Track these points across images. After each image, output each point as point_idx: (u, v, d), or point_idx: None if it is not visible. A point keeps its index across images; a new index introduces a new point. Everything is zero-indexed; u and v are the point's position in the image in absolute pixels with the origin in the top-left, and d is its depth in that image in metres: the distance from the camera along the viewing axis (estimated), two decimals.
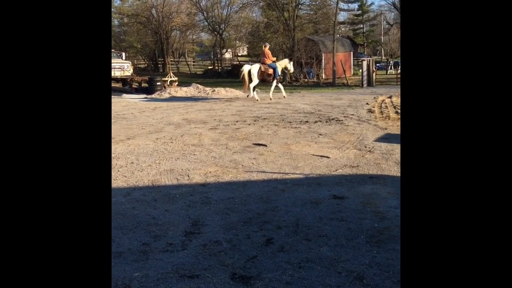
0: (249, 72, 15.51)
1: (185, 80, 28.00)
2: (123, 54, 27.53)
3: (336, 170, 5.75)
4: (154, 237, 3.70)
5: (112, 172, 5.81)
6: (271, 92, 16.04)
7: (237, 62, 41.67)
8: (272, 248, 3.41)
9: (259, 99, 15.50)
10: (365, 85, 22.94)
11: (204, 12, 38.96)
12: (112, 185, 5.26)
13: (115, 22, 44.15)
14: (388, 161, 6.10)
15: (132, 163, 6.39)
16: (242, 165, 6.15)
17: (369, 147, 7.09)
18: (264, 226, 3.87)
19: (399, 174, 5.45)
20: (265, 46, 16.31)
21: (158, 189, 5.14)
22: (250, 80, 15.49)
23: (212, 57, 44.85)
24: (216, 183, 5.31)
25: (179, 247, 3.49)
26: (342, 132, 8.63)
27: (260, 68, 15.53)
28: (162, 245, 3.55)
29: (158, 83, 20.25)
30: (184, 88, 19.70)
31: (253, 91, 15.66)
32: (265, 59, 15.80)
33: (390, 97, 16.04)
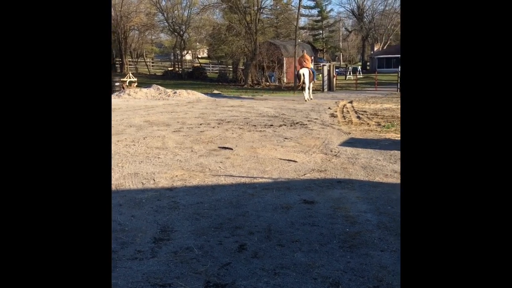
0: (303, 75, 16.93)
1: (144, 81, 27.51)
2: None
3: (305, 174, 5.74)
4: (121, 244, 3.54)
5: None
6: (311, 93, 17.73)
7: (198, 64, 41.42)
8: (245, 255, 3.34)
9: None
10: (325, 90, 23.28)
11: (164, 13, 38.46)
12: None
13: None
14: (354, 166, 6.16)
15: None
16: (209, 169, 6.04)
17: (335, 152, 7.15)
18: (236, 232, 3.79)
19: (366, 179, 5.51)
20: (305, 52, 18.47)
21: (123, 193, 4.95)
22: (305, 82, 17.05)
23: (172, 58, 44.33)
24: (183, 187, 5.19)
25: (149, 255, 3.36)
26: (307, 136, 8.68)
27: (309, 71, 17.26)
28: (131, 252, 3.40)
29: (116, 84, 19.76)
30: (144, 90, 19.32)
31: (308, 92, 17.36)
32: (307, 63, 17.42)
33: (351, 102, 16.34)
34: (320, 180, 5.45)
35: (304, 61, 17.32)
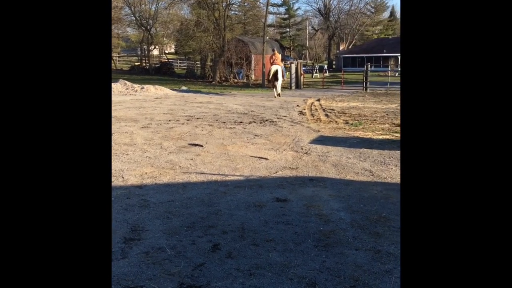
0: (277, 71, 17.18)
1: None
2: None
3: (276, 172, 5.72)
4: None
5: None
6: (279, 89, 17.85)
7: (166, 60, 40.87)
8: (219, 255, 3.27)
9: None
10: (293, 88, 23.39)
11: (132, 6, 37.68)
12: None
13: None
14: (325, 163, 6.18)
15: None
16: (180, 166, 5.93)
17: (305, 149, 7.16)
18: (209, 231, 3.71)
19: (337, 176, 5.53)
20: (275, 51, 18.33)
21: None
22: (276, 79, 17.28)
23: (139, 53, 43.56)
24: (153, 185, 5.06)
25: (119, 255, 3.24)
26: (277, 134, 8.67)
27: (281, 69, 17.66)
28: None
29: None
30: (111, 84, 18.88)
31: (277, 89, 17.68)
32: (279, 61, 17.76)
33: (318, 100, 16.47)
34: (292, 178, 5.43)
35: (277, 60, 17.60)
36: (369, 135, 8.65)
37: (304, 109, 13.30)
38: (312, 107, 14.19)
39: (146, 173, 5.56)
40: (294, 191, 4.88)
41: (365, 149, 7.15)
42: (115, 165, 5.91)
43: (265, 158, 6.48)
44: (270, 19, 56.64)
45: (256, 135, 8.41)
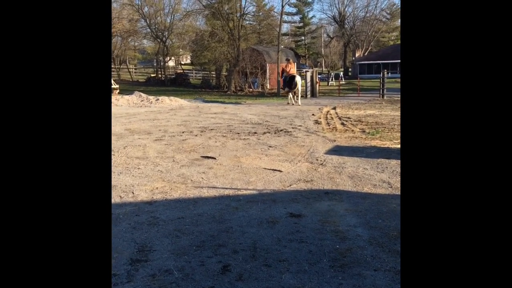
0: (298, 82, 18.02)
1: (126, 87, 27.11)
2: None
3: (290, 185, 5.53)
4: None
5: None
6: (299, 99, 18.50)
7: (181, 71, 41.13)
8: (229, 277, 3.10)
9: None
10: (308, 96, 23.19)
11: (147, 19, 38.09)
12: None
13: None
14: (341, 175, 5.97)
15: None
16: (191, 180, 5.79)
17: (321, 160, 6.96)
18: (219, 251, 3.55)
19: (354, 189, 5.32)
20: (290, 60, 19.12)
21: None
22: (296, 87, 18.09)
23: (155, 64, 43.92)
24: (163, 201, 4.93)
25: (124, 279, 3.09)
26: (292, 144, 8.48)
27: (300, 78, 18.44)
28: None
29: None
30: (126, 97, 18.95)
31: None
32: (294, 70, 18.43)
33: (334, 108, 16.24)
34: (306, 191, 5.24)
35: (291, 68, 18.17)
36: (386, 144, 8.40)
37: (320, 118, 13.09)
38: (328, 115, 13.98)
39: (157, 188, 5.43)
40: (309, 206, 4.69)
41: (382, 159, 6.92)
42: (126, 180, 5.80)
43: (279, 171, 6.30)
44: (285, 27, 56.78)
45: (270, 146, 8.24)
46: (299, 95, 18.25)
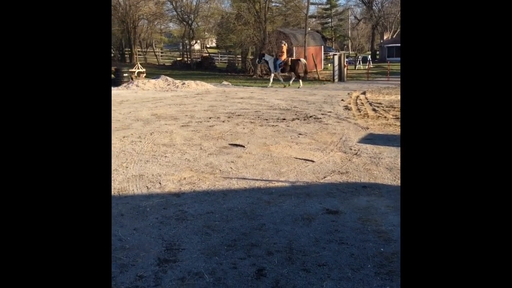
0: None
1: (153, 71, 27.04)
2: None
3: (325, 177, 5.22)
4: (120, 267, 3.06)
5: None
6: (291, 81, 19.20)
7: (207, 54, 40.89)
8: (264, 283, 2.84)
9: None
10: (336, 80, 22.61)
11: (173, 2, 37.80)
12: None
13: None
14: (378, 167, 5.63)
15: None
16: (220, 170, 5.54)
17: (355, 150, 6.61)
18: (252, 251, 3.29)
19: (393, 183, 4.98)
20: (285, 44, 19.71)
21: (126, 200, 4.48)
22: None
23: (181, 48, 43.78)
24: (191, 193, 4.69)
25: (151, 282, 2.87)
26: (323, 132, 8.14)
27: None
28: (131, 278, 2.92)
29: (125, 75, 19.28)
30: (153, 81, 18.82)
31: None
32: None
33: (364, 93, 15.72)
34: (342, 185, 4.93)
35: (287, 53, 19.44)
36: None
37: (350, 104, 12.65)
38: (358, 101, 13.50)
39: (184, 178, 5.21)
40: (346, 201, 4.38)
41: None
42: (153, 169, 5.60)
43: (311, 161, 5.99)
44: (312, 10, 55.58)
45: (300, 134, 7.92)
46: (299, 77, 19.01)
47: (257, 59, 22.56)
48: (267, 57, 19.82)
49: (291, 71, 19.21)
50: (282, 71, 19.27)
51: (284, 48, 19.48)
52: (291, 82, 19.11)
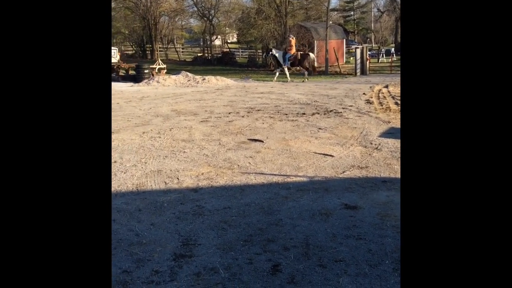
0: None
1: (174, 67, 27.20)
2: None
3: (344, 172, 5.15)
4: (136, 262, 3.08)
5: None
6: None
7: (227, 49, 40.90)
8: (280, 279, 2.81)
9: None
10: (358, 74, 22.33)
11: None
12: None
13: None
14: (399, 161, 5.52)
15: (115, 162, 5.74)
16: (238, 165, 5.53)
17: (375, 144, 6.51)
18: (268, 247, 3.26)
19: None
20: (293, 38, 19.87)
21: (144, 195, 4.50)
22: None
23: (201, 43, 43.93)
24: (209, 188, 4.69)
25: (167, 277, 2.88)
26: (343, 126, 8.04)
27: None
28: (147, 273, 2.93)
29: (146, 71, 19.42)
30: (173, 76, 18.94)
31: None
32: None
33: (386, 87, 15.47)
34: (361, 179, 4.85)
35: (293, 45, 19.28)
36: None
37: (372, 97, 12.47)
38: (380, 94, 13.30)
39: (202, 173, 5.21)
40: (365, 196, 4.31)
41: None
42: (171, 164, 5.62)
43: (330, 155, 5.92)
44: (333, 2, 55.02)
45: (320, 128, 7.84)
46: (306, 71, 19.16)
47: (264, 54, 22.60)
48: (274, 51, 19.71)
49: (300, 65, 19.20)
50: (292, 65, 19.24)
51: (293, 42, 19.44)
52: (306, 76, 19.06)
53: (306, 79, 18.71)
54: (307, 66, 19.17)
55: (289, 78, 18.79)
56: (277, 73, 19.18)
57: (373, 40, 61.76)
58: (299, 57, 19.01)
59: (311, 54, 19.50)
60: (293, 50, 19.06)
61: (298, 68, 19.92)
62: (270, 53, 20.13)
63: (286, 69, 19.20)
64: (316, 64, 27.97)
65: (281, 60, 19.16)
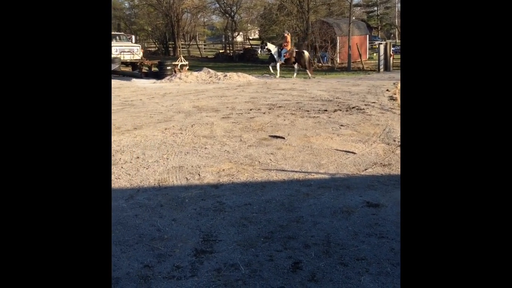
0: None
1: (196, 64, 27.35)
2: (133, 37, 26.82)
3: (366, 169, 5.09)
4: (158, 257, 3.11)
5: (115, 169, 5.24)
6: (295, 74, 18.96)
7: (249, 46, 40.89)
8: (300, 276, 2.80)
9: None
10: (381, 70, 22.04)
11: None
12: (114, 185, 4.69)
13: (125, 4, 43.42)
14: None
15: (138, 158, 5.80)
16: (259, 162, 5.52)
17: (399, 141, 6.41)
18: (288, 244, 3.25)
19: None
20: (288, 34, 19.64)
21: (165, 191, 4.54)
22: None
23: (223, 40, 44.05)
24: (230, 184, 4.70)
25: (188, 272, 2.89)
26: (366, 123, 7.95)
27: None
28: (168, 268, 2.95)
29: (168, 68, 19.55)
30: (195, 73, 19.03)
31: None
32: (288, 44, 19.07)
33: None
34: (384, 177, 4.79)
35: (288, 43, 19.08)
36: None
37: (395, 94, 12.28)
38: None
39: (223, 170, 5.22)
40: (388, 194, 4.25)
41: None
42: (193, 160, 5.65)
43: (352, 152, 5.86)
44: None
45: (342, 125, 7.77)
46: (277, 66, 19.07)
47: (260, 49, 22.31)
48: (270, 46, 19.44)
49: (295, 63, 18.97)
50: (286, 61, 19.03)
51: (288, 37, 19.31)
52: (296, 73, 18.93)
53: (293, 76, 18.61)
54: (303, 64, 18.99)
55: (278, 75, 18.65)
56: (273, 68, 19.07)
57: (396, 36, 60.84)
58: (294, 54, 18.87)
59: (305, 51, 19.38)
60: (289, 46, 18.93)
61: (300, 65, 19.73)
62: (266, 47, 19.85)
63: (278, 65, 19.05)
64: (338, 61, 27.77)
65: (276, 56, 18.98)
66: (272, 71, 19.06)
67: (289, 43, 19.11)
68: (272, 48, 19.31)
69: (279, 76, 18.58)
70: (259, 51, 22.75)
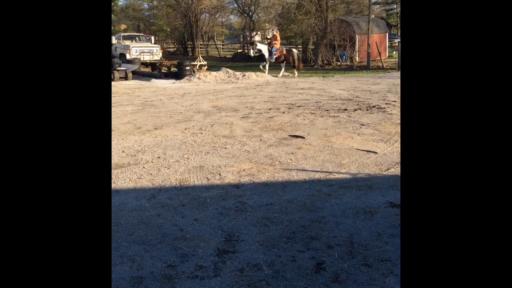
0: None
1: (214, 64, 27.47)
2: (152, 38, 27.06)
3: (388, 169, 5.04)
4: (181, 257, 3.12)
5: (137, 169, 5.29)
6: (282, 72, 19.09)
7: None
8: (324, 277, 2.78)
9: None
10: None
11: None
12: (136, 184, 4.73)
13: (144, 5, 43.82)
14: None
15: (159, 157, 5.85)
16: (279, 162, 5.51)
17: None
18: (311, 244, 3.23)
19: None
20: (277, 32, 19.96)
21: (187, 190, 4.56)
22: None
23: (241, 40, 44.10)
24: (251, 184, 4.70)
25: (211, 272, 2.90)
26: (387, 122, 7.86)
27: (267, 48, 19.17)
28: (191, 268, 2.96)
29: (187, 68, 19.66)
30: (214, 73, 19.10)
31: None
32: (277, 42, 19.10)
33: None
34: None
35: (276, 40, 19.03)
36: None
37: None
38: None
39: (244, 169, 5.23)
40: None
41: None
42: (213, 160, 5.67)
43: (374, 152, 5.80)
44: None
45: (362, 124, 7.70)
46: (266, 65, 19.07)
47: (251, 49, 21.99)
48: (260, 46, 19.38)
49: (284, 61, 18.92)
50: (277, 59, 18.95)
51: (277, 35, 19.33)
52: (282, 72, 18.93)
53: (280, 75, 18.61)
54: (292, 61, 18.94)
55: (266, 73, 18.55)
56: (267, 67, 19.01)
57: None
58: (284, 52, 18.84)
59: (294, 50, 19.46)
60: (278, 44, 18.89)
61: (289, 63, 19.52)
62: (257, 48, 19.67)
63: (267, 64, 18.99)
64: (357, 59, 27.54)
65: (266, 54, 18.89)
66: (262, 69, 19.10)
67: (279, 41, 19.10)
68: (263, 47, 19.30)
69: (266, 75, 18.66)
70: (251, 52, 22.60)
